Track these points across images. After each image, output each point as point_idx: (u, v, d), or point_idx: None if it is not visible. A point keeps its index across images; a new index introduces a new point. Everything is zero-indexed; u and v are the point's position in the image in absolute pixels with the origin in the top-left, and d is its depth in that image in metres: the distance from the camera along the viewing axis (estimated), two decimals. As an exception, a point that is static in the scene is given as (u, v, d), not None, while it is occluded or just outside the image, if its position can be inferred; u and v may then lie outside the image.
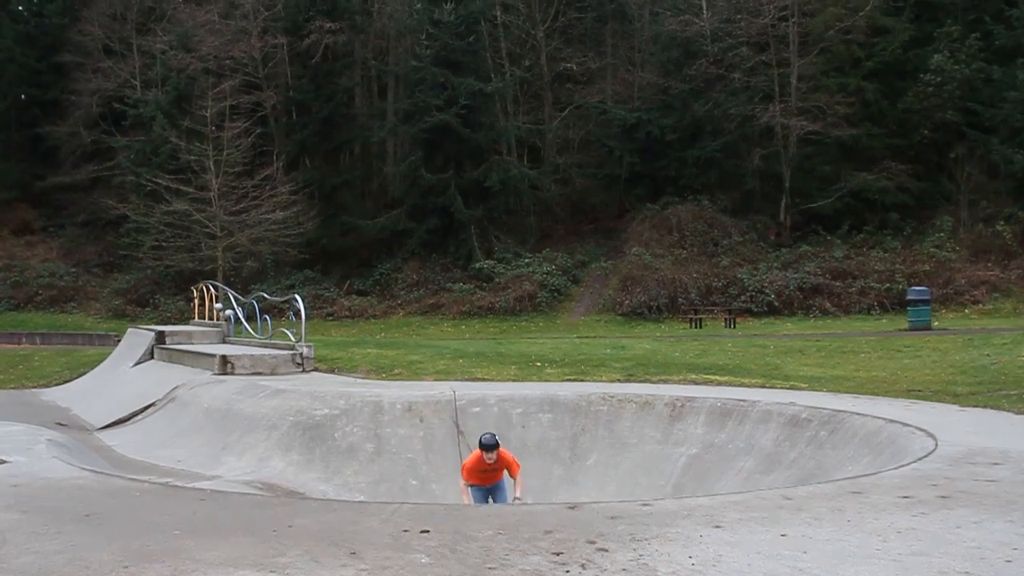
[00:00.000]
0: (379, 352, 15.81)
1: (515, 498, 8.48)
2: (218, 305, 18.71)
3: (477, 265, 32.71)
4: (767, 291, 28.55)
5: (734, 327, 26.02)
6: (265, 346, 15.26)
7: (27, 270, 37.42)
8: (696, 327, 26.48)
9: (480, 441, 8.52)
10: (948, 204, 31.21)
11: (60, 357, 21.50)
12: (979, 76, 30.29)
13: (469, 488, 8.56)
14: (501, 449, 8.61)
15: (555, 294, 31.79)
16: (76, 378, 18.12)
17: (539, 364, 13.61)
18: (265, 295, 19.45)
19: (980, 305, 26.48)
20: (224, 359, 13.26)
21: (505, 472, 8.69)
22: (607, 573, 3.71)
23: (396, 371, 13.50)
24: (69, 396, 15.95)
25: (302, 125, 37.31)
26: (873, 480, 5.62)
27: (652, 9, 37.29)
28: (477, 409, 10.02)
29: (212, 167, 32.18)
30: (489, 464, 8.47)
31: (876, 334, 19.94)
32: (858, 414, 8.05)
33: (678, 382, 11.66)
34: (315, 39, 35.66)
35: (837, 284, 28.38)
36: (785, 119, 31.07)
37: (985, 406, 9.10)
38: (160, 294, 34.64)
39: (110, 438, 11.45)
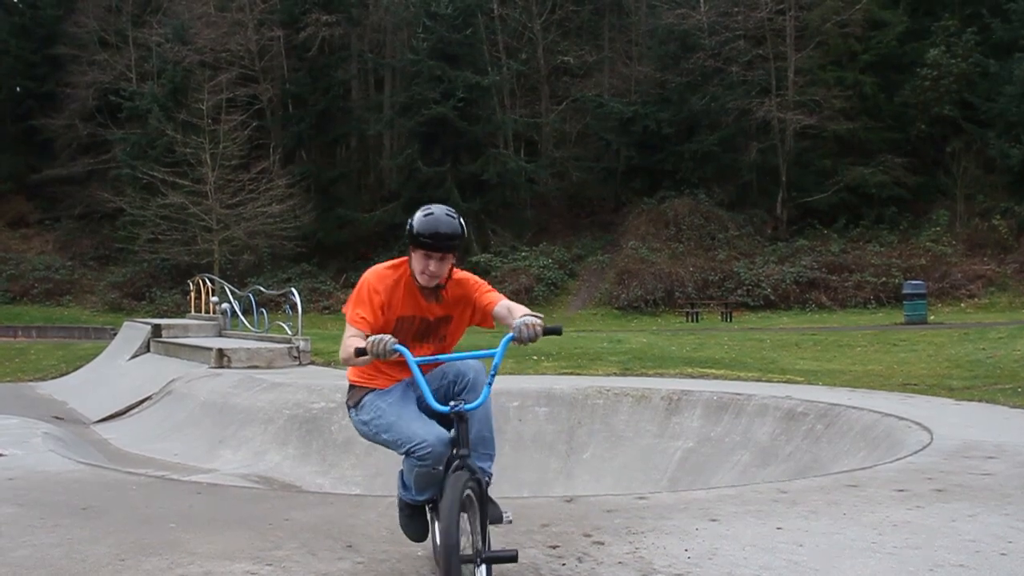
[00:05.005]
0: (376, 345, 15.74)
1: (523, 317, 3.25)
2: (214, 298, 18.70)
3: (474, 259, 32.67)
4: (763, 285, 28.58)
5: (730, 321, 26.08)
6: (261, 339, 15.25)
7: (23, 263, 37.32)
8: (692, 321, 26.53)
9: (413, 225, 3.32)
10: (944, 198, 31.25)
11: (56, 351, 21.45)
12: (976, 70, 30.30)
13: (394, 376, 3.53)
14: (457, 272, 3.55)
15: (552, 288, 31.79)
16: (72, 372, 18.08)
17: (536, 357, 13.59)
18: (261, 288, 19.42)
19: (976, 299, 26.54)
20: (220, 352, 13.24)
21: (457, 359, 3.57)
22: (603, 566, 3.71)
23: (393, 364, 13.47)
24: (65, 389, 15.93)
25: (298, 118, 37.25)
26: (869, 473, 5.63)
27: (649, 2, 37.19)
28: (474, 402, 9.98)
29: (208, 160, 32.13)
30: (429, 289, 3.46)
31: (872, 328, 19.97)
32: (854, 408, 8.05)
33: (674, 376, 11.66)
34: (311, 32, 35.61)
35: (833, 278, 28.43)
36: (782, 113, 31.06)
37: (980, 400, 9.12)
38: (156, 287, 34.61)
39: (106, 431, 11.44)
